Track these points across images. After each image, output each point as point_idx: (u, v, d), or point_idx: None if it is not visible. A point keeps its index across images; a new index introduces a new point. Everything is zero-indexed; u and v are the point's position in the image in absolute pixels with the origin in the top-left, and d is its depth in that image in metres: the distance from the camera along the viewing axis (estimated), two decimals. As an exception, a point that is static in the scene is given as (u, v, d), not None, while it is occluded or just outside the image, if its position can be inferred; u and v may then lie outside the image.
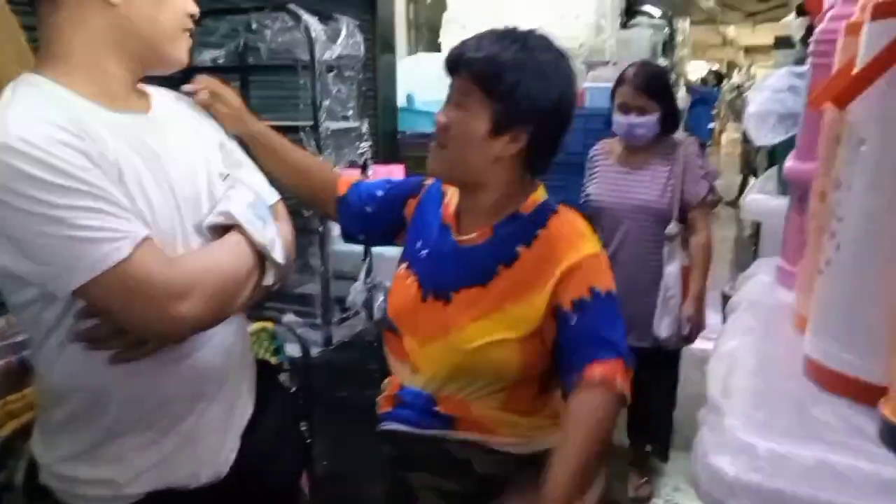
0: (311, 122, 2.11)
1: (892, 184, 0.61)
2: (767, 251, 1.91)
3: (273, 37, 2.20)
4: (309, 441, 1.71)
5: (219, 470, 1.08)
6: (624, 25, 5.29)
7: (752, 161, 7.82)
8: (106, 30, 0.95)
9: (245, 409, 1.15)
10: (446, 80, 1.15)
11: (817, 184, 0.87)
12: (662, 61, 5.20)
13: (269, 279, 1.08)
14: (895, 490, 0.53)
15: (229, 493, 1.09)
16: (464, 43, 1.12)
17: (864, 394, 0.63)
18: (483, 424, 1.16)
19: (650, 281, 2.30)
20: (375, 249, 2.33)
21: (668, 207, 2.27)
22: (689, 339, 2.35)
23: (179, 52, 1.04)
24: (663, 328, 2.28)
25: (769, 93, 1.78)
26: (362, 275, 2.32)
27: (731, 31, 17.25)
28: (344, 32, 2.18)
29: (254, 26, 2.24)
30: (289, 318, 2.18)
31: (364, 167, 2.29)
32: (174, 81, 1.16)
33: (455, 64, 1.11)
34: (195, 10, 1.05)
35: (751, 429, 0.60)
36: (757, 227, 3.39)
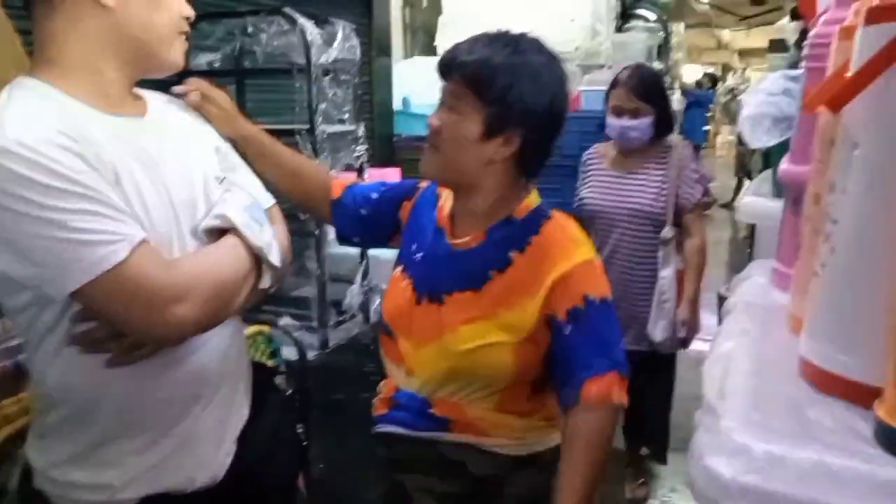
0: (307, 126, 2.11)
1: (886, 187, 0.62)
2: (762, 253, 1.92)
3: (269, 40, 2.20)
4: (305, 444, 1.70)
5: (215, 473, 1.08)
6: (619, 29, 5.31)
7: (747, 163, 7.87)
8: (101, 33, 0.95)
9: (241, 412, 1.15)
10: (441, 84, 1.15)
11: (812, 186, 0.87)
12: (657, 64, 5.21)
13: (265, 282, 1.08)
14: (891, 491, 0.53)
15: (226, 497, 1.08)
16: (456, 46, 1.12)
17: (860, 395, 0.63)
18: (477, 426, 1.16)
19: (645, 285, 2.30)
20: (372, 252, 2.33)
21: (662, 211, 2.27)
22: (685, 342, 2.35)
23: (175, 54, 1.04)
24: (658, 332, 2.28)
25: (764, 96, 1.79)
26: (359, 278, 2.32)
27: (725, 34, 17.32)
28: (340, 36, 2.18)
29: (250, 30, 2.24)
30: (285, 321, 2.18)
31: (360, 170, 2.29)
32: (168, 85, 1.16)
33: (447, 67, 1.12)
34: (190, 12, 1.05)
35: (747, 431, 0.60)
36: (752, 229, 3.41)
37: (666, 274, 2.27)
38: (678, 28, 8.71)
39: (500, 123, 1.08)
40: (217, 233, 1.03)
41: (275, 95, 2.62)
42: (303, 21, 2.08)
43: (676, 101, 8.82)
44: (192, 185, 1.04)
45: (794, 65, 2.32)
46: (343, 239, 1.39)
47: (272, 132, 1.33)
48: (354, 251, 2.30)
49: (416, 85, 3.96)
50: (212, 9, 2.53)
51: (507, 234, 1.15)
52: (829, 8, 0.98)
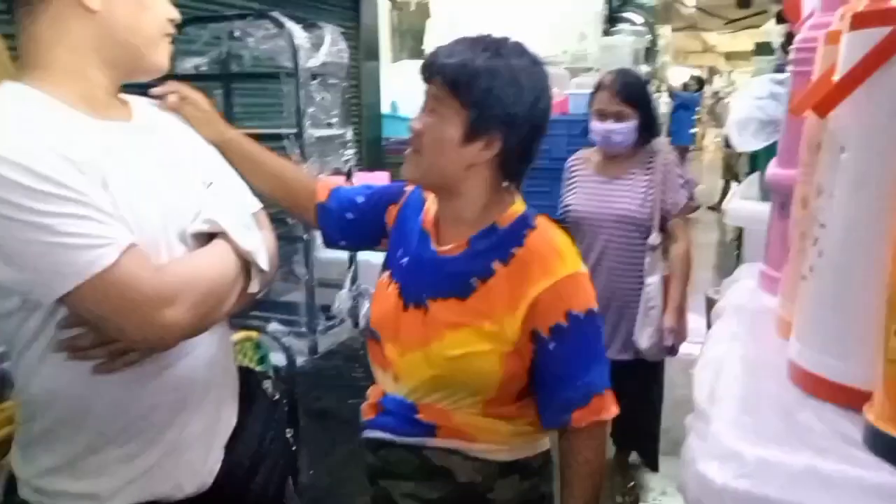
0: (295, 130, 2.11)
1: (873, 191, 0.62)
2: (751, 256, 1.93)
3: (256, 44, 2.19)
4: (294, 450, 1.69)
5: (203, 481, 1.07)
6: (606, 32, 5.34)
7: (734, 166, 7.92)
8: (87, 37, 0.94)
9: (229, 418, 1.14)
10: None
11: (799, 190, 0.87)
12: (645, 68, 5.24)
13: (254, 287, 1.07)
14: (881, 494, 0.53)
15: (214, 505, 1.08)
16: (438, 49, 1.12)
17: (849, 399, 0.63)
18: (464, 432, 1.16)
19: (631, 292, 2.27)
20: (361, 256, 2.32)
21: (648, 217, 2.24)
22: (672, 350, 2.32)
23: (160, 57, 1.03)
24: (644, 339, 2.25)
25: (751, 100, 1.80)
26: (347, 282, 2.31)
27: (711, 37, 17.46)
28: (328, 40, 2.18)
29: (237, 34, 2.24)
30: (274, 326, 2.16)
31: (348, 174, 2.29)
32: (149, 89, 1.15)
33: (429, 70, 1.11)
34: (176, 15, 1.05)
35: (738, 436, 0.60)
36: (739, 232, 3.43)
37: (652, 281, 2.24)
38: (665, 31, 8.77)
39: (480, 126, 1.08)
40: (205, 237, 1.02)
41: (262, 99, 2.62)
42: (290, 25, 2.07)
43: (664, 103, 8.88)
44: (180, 190, 1.03)
45: (779, 67, 2.33)
46: (330, 243, 1.38)
47: (260, 136, 1.32)
48: (343, 255, 2.29)
49: (404, 89, 3.97)
50: (199, 13, 2.52)
51: (490, 244, 1.14)
52: (815, 12, 0.98)
